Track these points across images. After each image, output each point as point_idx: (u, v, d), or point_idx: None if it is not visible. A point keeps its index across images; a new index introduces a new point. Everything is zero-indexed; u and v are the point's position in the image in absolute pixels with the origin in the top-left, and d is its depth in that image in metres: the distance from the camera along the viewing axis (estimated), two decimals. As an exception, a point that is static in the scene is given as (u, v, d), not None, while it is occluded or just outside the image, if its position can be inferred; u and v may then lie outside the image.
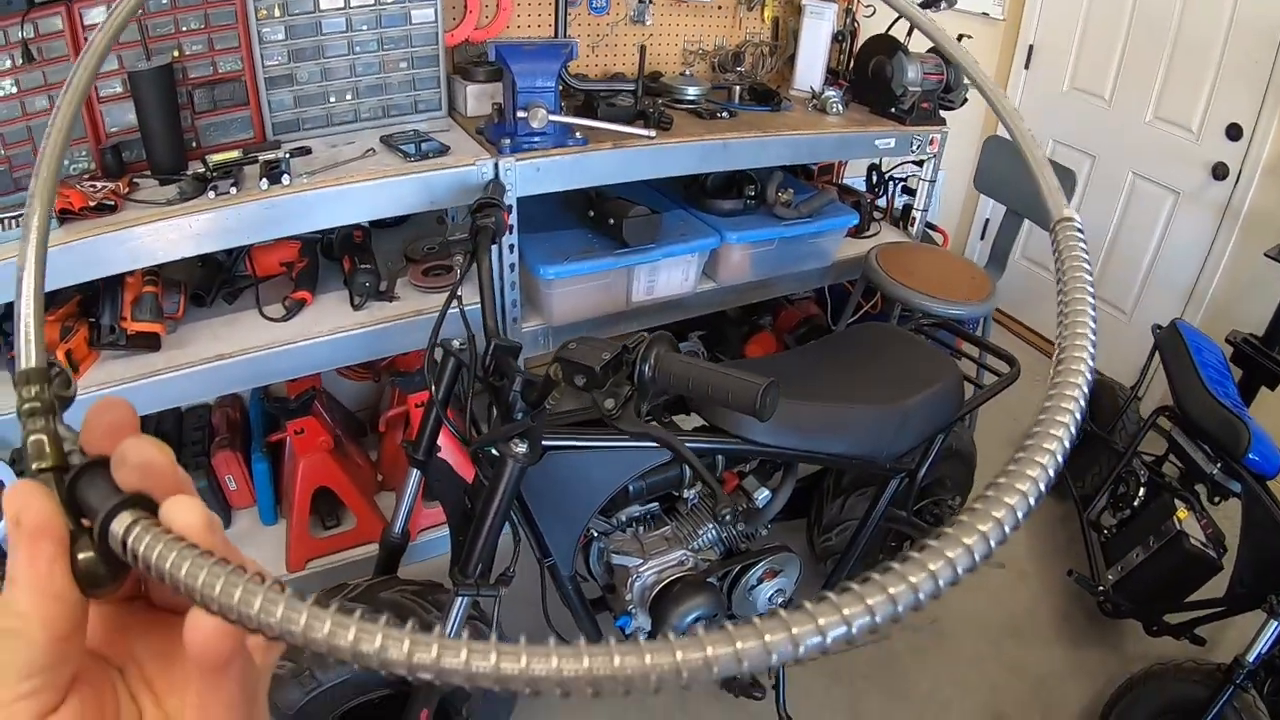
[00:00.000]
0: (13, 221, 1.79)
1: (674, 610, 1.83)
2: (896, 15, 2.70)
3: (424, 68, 2.24)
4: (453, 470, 1.81)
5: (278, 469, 2.42)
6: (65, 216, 1.80)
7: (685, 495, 1.95)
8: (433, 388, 1.63)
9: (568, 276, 2.06)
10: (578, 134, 2.06)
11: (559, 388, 1.41)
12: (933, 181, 2.69)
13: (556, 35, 2.02)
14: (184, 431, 2.45)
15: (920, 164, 2.69)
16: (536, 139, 2.02)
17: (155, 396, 1.94)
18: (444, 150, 2.01)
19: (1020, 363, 2.15)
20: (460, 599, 1.56)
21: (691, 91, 2.40)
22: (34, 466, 0.33)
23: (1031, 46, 3.46)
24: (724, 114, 2.36)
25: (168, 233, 1.81)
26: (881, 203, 2.82)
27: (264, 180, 1.88)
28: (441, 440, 1.80)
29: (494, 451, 1.62)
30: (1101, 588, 2.42)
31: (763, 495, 2.00)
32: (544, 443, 1.50)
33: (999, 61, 3.43)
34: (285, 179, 1.88)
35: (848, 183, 2.88)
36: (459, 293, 1.63)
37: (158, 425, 2.42)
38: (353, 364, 2.07)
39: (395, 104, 2.24)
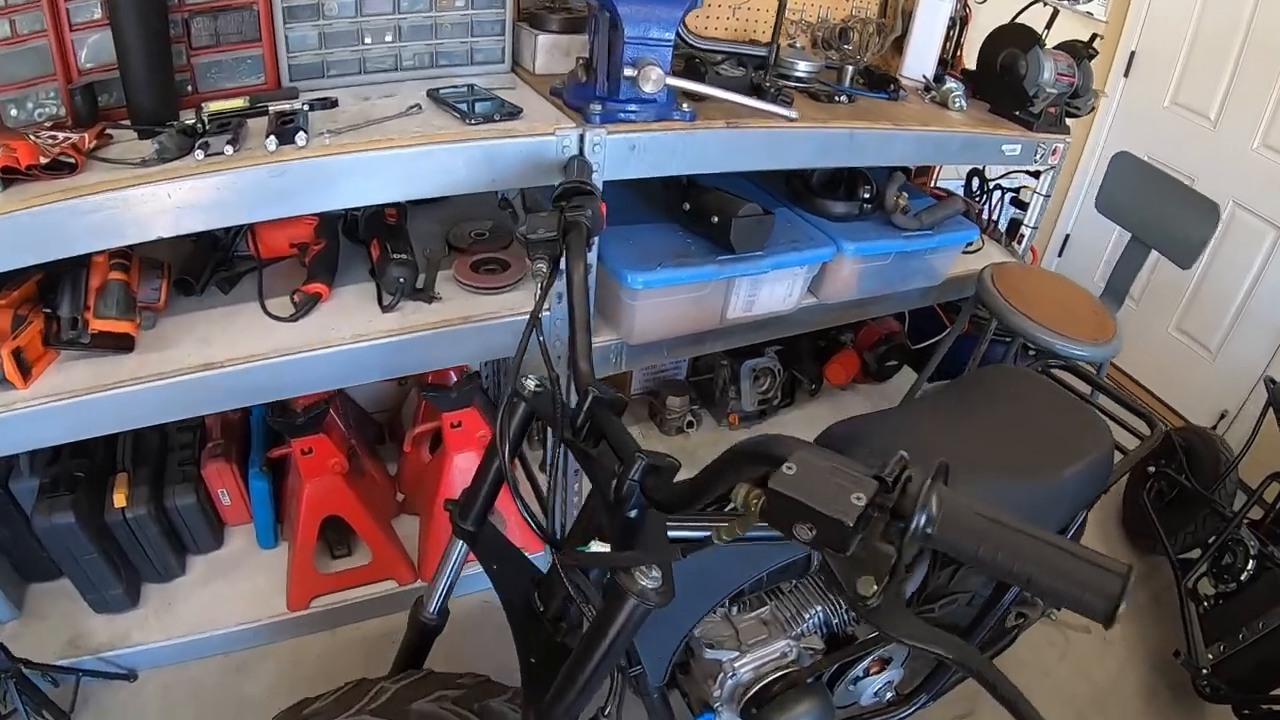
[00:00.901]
0: None
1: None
2: (1028, 4, 2.03)
3: (485, 8, 1.53)
4: (512, 547, 1.16)
5: (279, 483, 1.76)
6: (9, 176, 1.11)
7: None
8: (501, 446, 0.98)
9: (660, 286, 1.40)
10: (685, 106, 1.38)
11: (747, 519, 0.73)
12: (1048, 196, 2.05)
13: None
14: (170, 435, 1.77)
15: (1035, 175, 2.04)
16: (633, 108, 1.34)
17: (122, 414, 1.29)
18: (514, 112, 1.33)
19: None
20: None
21: (802, 67, 1.72)
22: None
23: (1133, 53, 2.79)
24: (841, 98, 1.69)
25: (138, 204, 1.14)
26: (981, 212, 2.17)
27: (271, 139, 1.20)
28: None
29: (603, 575, 0.98)
30: (1204, 670, 1.84)
31: None
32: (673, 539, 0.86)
33: (1096, 69, 2.78)
34: (300, 138, 1.21)
35: (944, 186, 2.22)
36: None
37: (137, 429, 1.73)
38: (379, 379, 1.40)
39: (446, 51, 1.54)
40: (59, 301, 1.33)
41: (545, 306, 1.01)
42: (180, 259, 1.47)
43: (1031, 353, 2.06)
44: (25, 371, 1.25)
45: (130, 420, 1.32)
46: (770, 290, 1.57)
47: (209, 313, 1.42)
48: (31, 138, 1.17)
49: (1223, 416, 2.60)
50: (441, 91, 1.40)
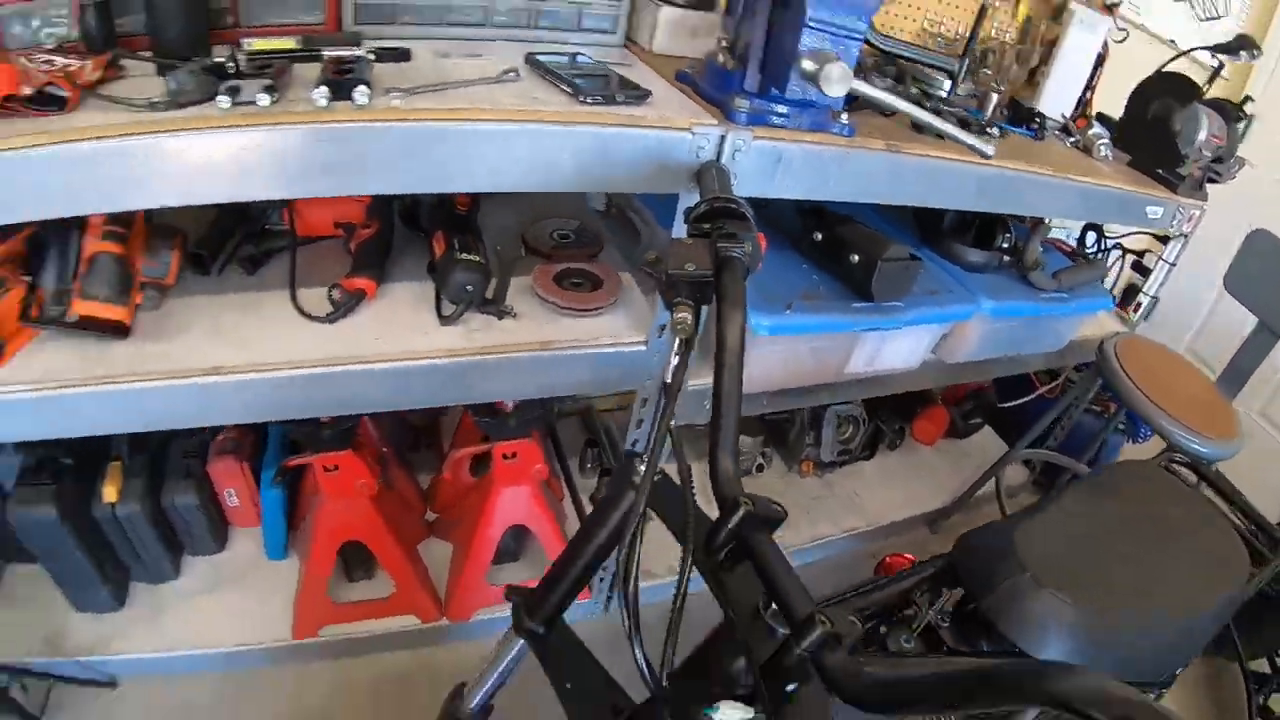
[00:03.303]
0: None
1: None
2: (1174, 55, 1.61)
3: (604, -34, 1.11)
4: (591, 660, 0.79)
5: (295, 487, 1.37)
6: None
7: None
8: (624, 573, 0.60)
9: (786, 335, 1.00)
10: (844, 118, 0.97)
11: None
12: (1174, 264, 1.65)
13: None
14: (177, 419, 1.37)
15: (1162, 239, 1.64)
16: (785, 110, 0.93)
17: (108, 416, 0.91)
18: (641, 95, 0.92)
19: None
20: None
21: (948, 86, 1.30)
22: None
23: (1250, 119, 2.32)
24: (993, 129, 1.28)
25: (138, 160, 0.74)
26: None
27: (322, 90, 0.78)
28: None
29: None
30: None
31: None
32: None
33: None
34: (360, 94, 0.80)
35: (1055, 238, 1.81)
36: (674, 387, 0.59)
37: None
38: (428, 406, 0.98)
39: (550, 11, 1.11)
40: (43, 270, 0.93)
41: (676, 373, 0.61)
42: (200, 226, 1.07)
43: (1120, 429, 1.68)
44: None
45: (117, 424, 0.93)
46: (898, 345, 1.17)
47: (227, 297, 1.02)
48: (21, 61, 0.77)
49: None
50: (543, 58, 0.99)
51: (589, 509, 1.56)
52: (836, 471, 1.77)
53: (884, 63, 1.31)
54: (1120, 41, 1.75)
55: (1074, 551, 0.96)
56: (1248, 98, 1.57)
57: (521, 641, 0.80)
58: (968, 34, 1.55)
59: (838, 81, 0.81)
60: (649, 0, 1.15)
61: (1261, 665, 1.68)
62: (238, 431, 1.34)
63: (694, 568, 0.59)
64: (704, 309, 0.64)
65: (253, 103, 0.78)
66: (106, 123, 0.74)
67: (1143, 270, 1.68)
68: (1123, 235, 1.70)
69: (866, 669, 0.49)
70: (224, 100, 0.77)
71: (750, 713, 0.60)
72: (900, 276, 1.07)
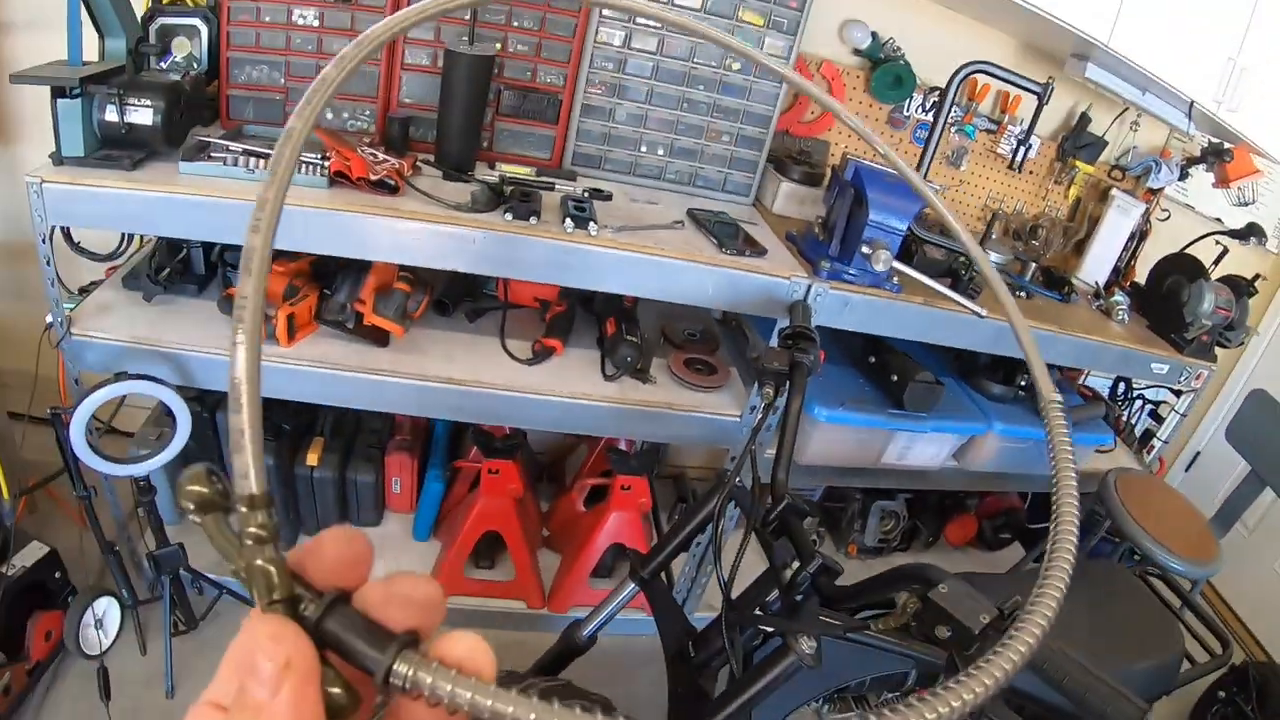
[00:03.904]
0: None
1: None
2: (1202, 235, 2.39)
3: (745, 148, 1.97)
4: (675, 602, 1.53)
5: (447, 490, 2.16)
6: (338, 179, 1.55)
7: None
8: (717, 525, 1.35)
9: (838, 424, 1.78)
10: (895, 279, 1.77)
11: (900, 616, 1.14)
12: (1184, 415, 2.37)
13: (919, 172, 1.74)
14: (364, 419, 2.20)
15: (1177, 394, 2.37)
16: (854, 273, 1.73)
17: (365, 394, 1.70)
18: (761, 252, 1.73)
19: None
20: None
21: (993, 258, 2.10)
22: (267, 599, 0.30)
23: None
24: (1022, 293, 2.06)
25: (446, 240, 1.56)
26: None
27: (568, 221, 1.62)
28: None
29: (767, 629, 1.35)
30: None
31: None
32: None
33: (1258, 298, 3.08)
34: (592, 228, 1.62)
35: (1092, 384, 2.56)
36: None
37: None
38: (588, 434, 1.79)
39: (704, 175, 1.98)
40: (338, 288, 1.76)
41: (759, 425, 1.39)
42: (440, 282, 1.90)
43: (1136, 557, 2.37)
44: (291, 334, 1.67)
45: (369, 401, 1.72)
46: (923, 447, 1.93)
47: (454, 334, 1.84)
48: (360, 151, 1.60)
49: (1308, 665, 2.82)
50: (699, 213, 1.82)
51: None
52: (877, 558, 2.50)
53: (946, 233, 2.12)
54: (1164, 220, 2.55)
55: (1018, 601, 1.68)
56: (1258, 275, 2.31)
57: (632, 585, 1.54)
58: (1024, 210, 2.37)
59: (884, 262, 1.62)
60: (774, 175, 2.00)
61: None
62: (411, 435, 2.15)
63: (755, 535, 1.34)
64: (782, 390, 1.41)
65: (525, 220, 1.59)
66: (426, 211, 1.54)
67: (1159, 418, 2.40)
68: (1147, 387, 2.44)
69: (835, 584, 1.24)
70: (507, 215, 1.59)
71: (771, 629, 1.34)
72: (927, 395, 1.83)
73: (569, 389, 1.75)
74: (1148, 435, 2.43)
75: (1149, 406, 2.42)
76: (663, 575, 1.55)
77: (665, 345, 1.92)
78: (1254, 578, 3.09)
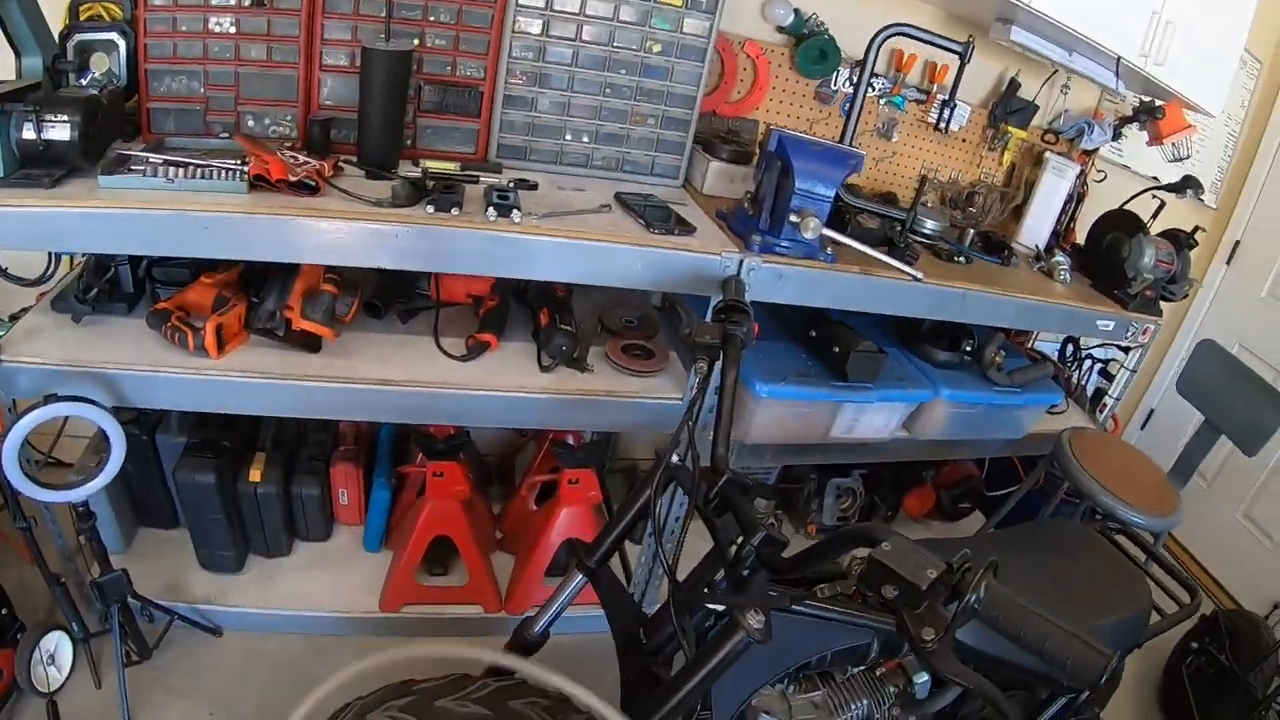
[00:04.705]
0: (199, 170, 1.44)
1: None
2: (1138, 192, 2.34)
3: (671, 130, 1.89)
4: (625, 590, 1.44)
5: (395, 498, 2.06)
6: (258, 183, 1.45)
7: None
8: (654, 505, 1.27)
9: (781, 398, 1.70)
10: (829, 249, 1.70)
11: (845, 582, 1.06)
12: (1134, 371, 2.32)
13: (844, 141, 1.68)
14: (307, 430, 2.10)
15: (1125, 350, 2.32)
16: (787, 245, 1.65)
17: (299, 402, 1.59)
18: (690, 230, 1.65)
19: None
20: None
21: (930, 225, 2.04)
22: None
23: (1238, 243, 3.07)
24: (960, 258, 2.00)
25: (369, 237, 1.46)
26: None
27: (491, 210, 1.52)
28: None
29: (714, 607, 1.27)
30: None
31: (922, 680, 1.63)
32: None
33: (1199, 252, 3.05)
34: (516, 215, 1.53)
35: (1040, 348, 2.51)
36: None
37: (280, 418, 2.07)
38: (528, 427, 1.70)
39: (631, 160, 1.90)
40: (266, 295, 1.65)
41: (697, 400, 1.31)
42: (370, 284, 1.81)
43: (1097, 515, 2.31)
44: (220, 345, 1.56)
45: (307, 410, 1.61)
46: (871, 418, 1.86)
47: (387, 336, 1.74)
48: (280, 154, 1.50)
49: (1276, 607, 2.78)
50: (627, 196, 1.74)
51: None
52: (837, 535, 2.42)
53: (882, 203, 2.06)
54: (1100, 181, 2.50)
55: (1009, 570, 1.59)
56: (1197, 228, 2.27)
57: (580, 577, 1.45)
58: (959, 178, 2.32)
59: (813, 229, 1.55)
60: (702, 155, 1.92)
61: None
62: (356, 444, 2.05)
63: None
64: (716, 364, 1.33)
65: (448, 212, 1.49)
66: (348, 209, 1.43)
67: (1109, 377, 2.35)
68: (1095, 346, 2.38)
69: (782, 555, 1.16)
70: (429, 208, 1.49)
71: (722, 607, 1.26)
72: (869, 364, 1.76)
73: (506, 383, 1.66)
74: (1099, 395, 2.38)
75: (1098, 366, 2.37)
76: (613, 563, 1.47)
77: (603, 334, 1.83)
78: (1217, 528, 3.04)
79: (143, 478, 1.99)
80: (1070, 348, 2.40)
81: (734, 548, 1.18)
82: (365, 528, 2.04)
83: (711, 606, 1.24)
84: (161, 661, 1.84)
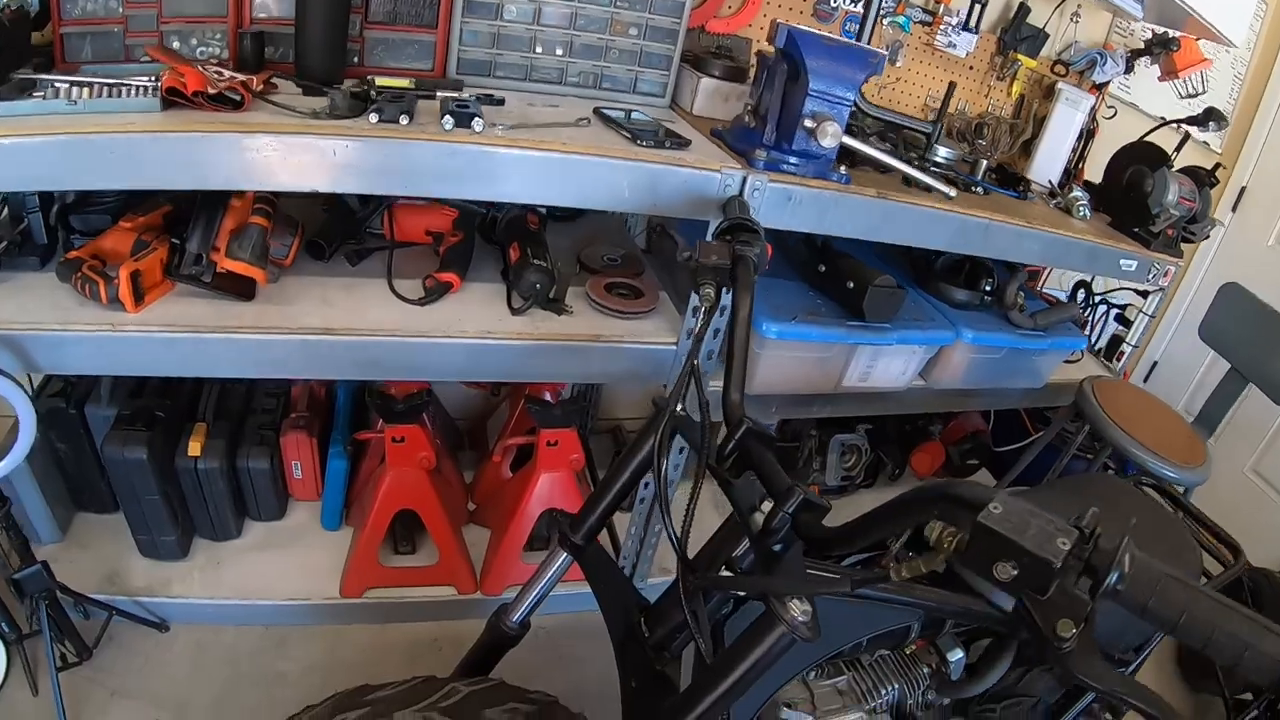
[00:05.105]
0: (105, 90, 1.11)
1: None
2: (1158, 124, 2.04)
3: (656, 41, 1.56)
4: (619, 571, 1.13)
5: (355, 468, 1.73)
6: (172, 98, 1.11)
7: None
8: (660, 464, 0.95)
9: (790, 340, 1.38)
10: (842, 169, 1.38)
11: (934, 557, 0.74)
12: (1152, 316, 2.03)
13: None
14: (255, 396, 1.76)
15: (1142, 294, 2.03)
16: (796, 161, 1.34)
17: (229, 357, 1.27)
18: (683, 144, 1.33)
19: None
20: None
21: (943, 153, 1.72)
22: None
23: (1244, 189, 2.80)
24: (978, 189, 1.69)
25: (303, 153, 1.13)
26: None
27: (447, 119, 1.20)
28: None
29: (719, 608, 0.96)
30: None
31: (957, 659, 1.33)
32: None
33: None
34: (477, 124, 1.21)
35: (1049, 292, 2.21)
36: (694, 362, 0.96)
37: (224, 382, 1.72)
38: (497, 380, 1.37)
39: (611, 76, 1.56)
40: (189, 236, 1.32)
41: (700, 337, 0.99)
42: (313, 225, 1.47)
43: (1110, 471, 2.02)
44: (138, 296, 1.24)
45: (241, 368, 1.30)
46: (887, 364, 1.55)
47: (334, 279, 1.41)
48: (200, 68, 1.17)
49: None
50: (608, 112, 1.41)
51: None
52: (841, 497, 2.12)
53: (887, 130, 1.74)
54: (1110, 118, 2.20)
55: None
56: (1219, 164, 1.98)
57: (564, 555, 1.13)
58: (966, 109, 2.01)
59: (831, 136, 1.23)
60: (691, 72, 1.59)
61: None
62: (310, 411, 1.72)
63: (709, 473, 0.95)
64: (723, 291, 1.01)
65: (395, 121, 1.18)
66: (277, 122, 1.12)
67: (1126, 323, 2.07)
68: (1108, 292, 2.09)
69: (824, 523, 0.85)
70: (372, 117, 1.17)
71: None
72: (888, 301, 1.45)
73: (471, 328, 1.33)
74: (1115, 343, 2.09)
75: (1114, 311, 2.08)
76: (601, 539, 1.15)
77: (582, 274, 1.50)
78: (1225, 482, 2.78)
79: (75, 457, 1.67)
80: (1081, 293, 2.11)
81: (760, 515, 0.87)
82: (323, 503, 1.71)
83: (739, 594, 0.93)
84: (103, 661, 1.55)
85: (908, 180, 1.51)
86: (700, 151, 1.34)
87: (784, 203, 1.34)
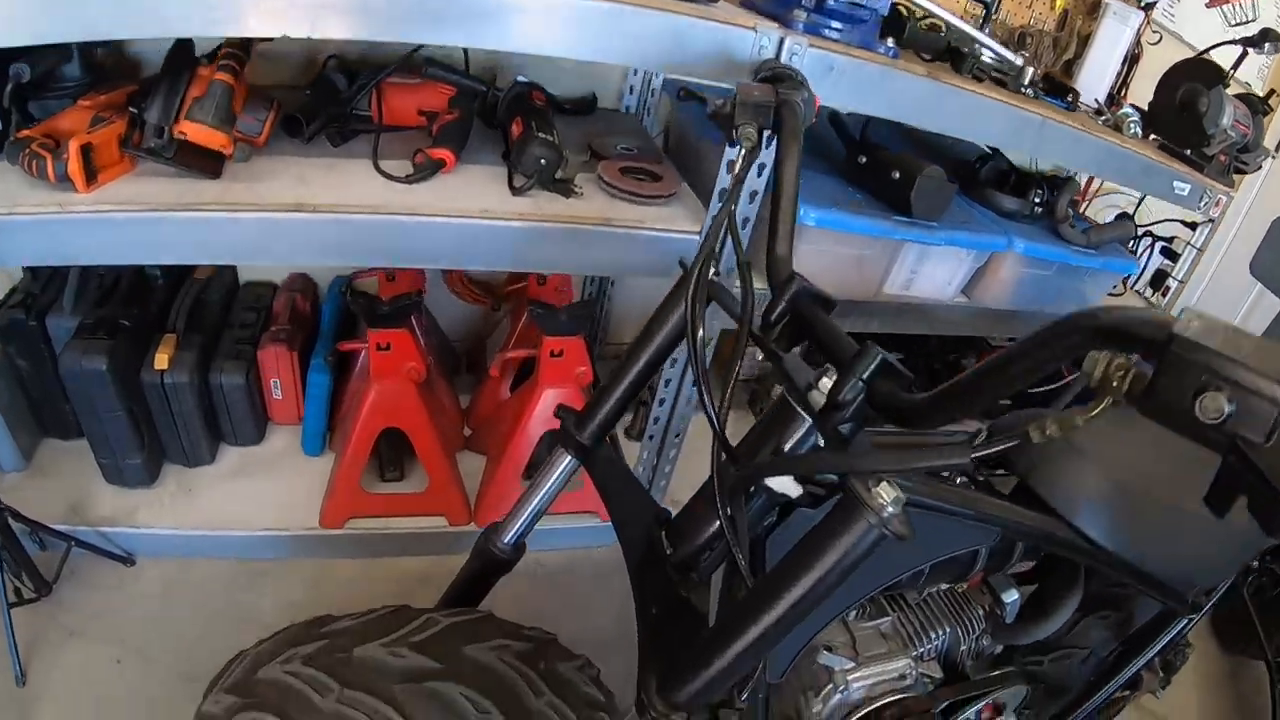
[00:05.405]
0: None
1: (889, 755, 0.98)
2: (1214, 44, 1.81)
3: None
4: (633, 478, 0.91)
5: (340, 389, 1.51)
6: None
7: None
8: (691, 335, 0.73)
9: (831, 229, 1.16)
10: (889, 41, 1.16)
11: (1102, 398, 0.49)
12: (1200, 249, 1.81)
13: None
14: (233, 309, 1.53)
15: (1191, 226, 1.80)
16: (839, 26, 1.12)
17: (189, 240, 1.05)
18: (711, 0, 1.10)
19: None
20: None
21: (988, 54, 1.50)
22: None
23: None
24: (1029, 90, 1.47)
25: None
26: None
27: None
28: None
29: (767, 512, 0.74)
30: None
31: (1012, 600, 1.11)
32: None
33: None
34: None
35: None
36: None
37: (200, 292, 1.50)
38: (485, 270, 1.14)
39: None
40: (148, 106, 1.09)
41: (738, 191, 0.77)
42: (291, 104, 1.25)
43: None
44: (90, 175, 1.02)
45: (200, 251, 1.09)
46: (933, 271, 1.33)
47: (313, 159, 1.19)
48: None
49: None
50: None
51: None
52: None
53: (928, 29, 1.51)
54: (1155, 44, 1.97)
55: (1110, 440, 1.06)
56: (1272, 91, 1.76)
57: (567, 460, 0.92)
58: (1007, 19, 1.78)
59: (890, -17, 1.00)
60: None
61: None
62: (292, 325, 1.49)
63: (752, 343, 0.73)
64: (764, 136, 0.79)
65: None
66: None
67: (1172, 256, 1.84)
68: (1154, 223, 1.87)
69: (909, 395, 0.62)
70: None
71: (799, 490, 0.72)
72: (937, 194, 1.23)
73: (467, 206, 1.11)
74: (1161, 277, 1.86)
75: (1161, 245, 1.85)
76: (610, 443, 0.93)
77: (593, 162, 1.27)
78: None
79: (36, 375, 1.46)
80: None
81: (822, 387, 0.66)
82: (303, 425, 1.48)
83: (787, 499, 0.71)
84: (62, 598, 1.34)
85: (957, 66, 1.29)
86: (728, 10, 1.11)
87: (825, 73, 1.11)
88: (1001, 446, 0.53)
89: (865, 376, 0.64)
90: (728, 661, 0.65)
